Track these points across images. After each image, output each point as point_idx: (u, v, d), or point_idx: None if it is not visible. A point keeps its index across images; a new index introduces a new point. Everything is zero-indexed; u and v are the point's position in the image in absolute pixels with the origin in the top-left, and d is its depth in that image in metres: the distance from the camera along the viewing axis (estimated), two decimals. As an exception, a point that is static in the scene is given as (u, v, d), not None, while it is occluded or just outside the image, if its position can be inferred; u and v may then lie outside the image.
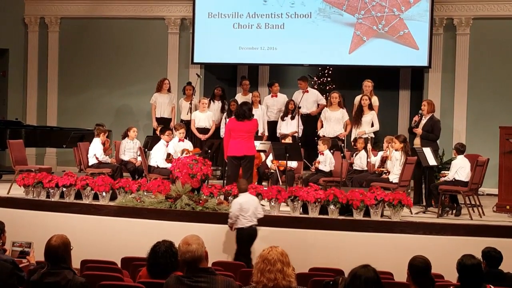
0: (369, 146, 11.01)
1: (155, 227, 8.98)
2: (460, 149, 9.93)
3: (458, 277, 5.33)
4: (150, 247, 5.21)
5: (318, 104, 12.63)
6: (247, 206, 8.32)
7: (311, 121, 12.56)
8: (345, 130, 11.88)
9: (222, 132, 12.19)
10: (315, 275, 6.65)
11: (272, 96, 12.96)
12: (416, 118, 10.82)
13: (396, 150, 10.08)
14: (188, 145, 11.35)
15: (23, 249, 6.52)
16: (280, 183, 10.31)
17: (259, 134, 12.27)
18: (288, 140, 11.15)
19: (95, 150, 11.19)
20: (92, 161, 11.20)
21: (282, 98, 12.77)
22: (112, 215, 9.50)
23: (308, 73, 13.23)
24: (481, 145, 12.18)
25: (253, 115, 10.11)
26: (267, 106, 12.89)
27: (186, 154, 10.70)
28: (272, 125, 12.68)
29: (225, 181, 10.62)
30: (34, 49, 15.10)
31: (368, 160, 10.85)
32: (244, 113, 9.84)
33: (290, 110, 12.29)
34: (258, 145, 10.91)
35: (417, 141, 10.76)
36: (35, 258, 6.39)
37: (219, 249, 8.68)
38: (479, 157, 10.26)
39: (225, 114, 12.58)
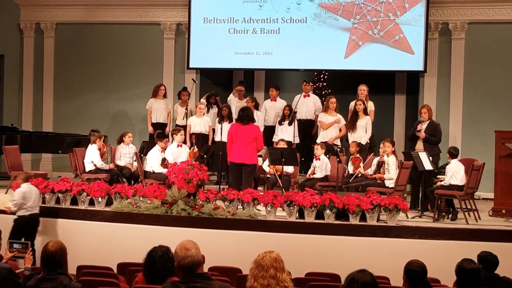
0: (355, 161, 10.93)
1: (151, 233, 8.96)
2: (453, 153, 9.94)
3: (455, 281, 5.33)
4: (146, 252, 5.20)
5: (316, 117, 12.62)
6: (29, 195, 8.87)
7: (310, 127, 12.55)
8: (338, 134, 11.86)
9: (215, 137, 12.30)
10: (311, 279, 6.65)
11: (271, 100, 12.96)
12: (419, 126, 10.82)
13: (388, 154, 10.13)
14: (186, 150, 11.34)
15: (18, 253, 6.48)
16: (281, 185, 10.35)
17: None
18: (283, 145, 11.14)
19: (92, 157, 11.16)
20: (89, 167, 11.18)
21: (280, 103, 12.73)
22: (108, 221, 9.47)
23: (303, 78, 13.24)
24: (476, 149, 12.20)
25: (253, 120, 10.18)
26: (266, 110, 12.91)
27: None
28: (270, 130, 12.68)
29: (220, 187, 10.65)
30: (30, 54, 15.08)
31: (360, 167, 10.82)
32: (247, 115, 9.99)
33: (286, 116, 12.29)
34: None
35: (419, 146, 10.75)
36: (31, 260, 6.36)
37: (215, 254, 8.66)
38: (474, 161, 10.27)
39: (217, 119, 12.60)
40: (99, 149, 11.29)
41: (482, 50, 12.96)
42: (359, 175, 10.59)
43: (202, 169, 9.50)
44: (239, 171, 9.99)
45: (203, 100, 13.05)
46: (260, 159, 11.41)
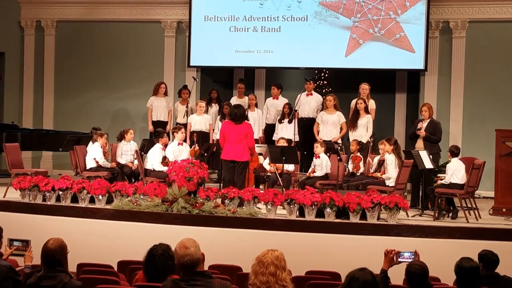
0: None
1: (151, 231, 8.96)
2: (454, 152, 9.94)
3: (455, 280, 5.33)
4: (146, 250, 5.20)
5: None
6: None
7: (311, 125, 12.52)
8: (339, 133, 11.87)
9: (215, 135, 12.28)
10: (312, 278, 6.64)
11: (273, 98, 12.96)
12: (420, 124, 10.83)
13: (388, 152, 10.12)
14: (186, 148, 11.34)
15: (17, 251, 6.49)
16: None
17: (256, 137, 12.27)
18: (283, 143, 11.13)
19: (95, 154, 11.15)
20: (90, 164, 11.17)
21: (281, 101, 12.72)
22: (108, 219, 9.47)
23: (304, 76, 13.23)
24: (477, 148, 12.20)
25: (245, 118, 10.18)
26: (267, 108, 12.90)
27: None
28: (270, 128, 12.68)
29: (221, 184, 10.64)
30: (30, 52, 15.09)
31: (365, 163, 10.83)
32: (235, 115, 9.94)
33: (286, 114, 12.28)
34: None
35: (419, 144, 10.75)
36: (31, 258, 6.36)
37: (215, 252, 8.66)
38: (475, 160, 10.27)
39: (219, 116, 12.61)
40: (102, 147, 11.30)
41: (483, 48, 12.95)
42: (359, 174, 10.59)
43: (202, 167, 9.52)
44: (232, 168, 10.02)
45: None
46: (261, 157, 11.42)
